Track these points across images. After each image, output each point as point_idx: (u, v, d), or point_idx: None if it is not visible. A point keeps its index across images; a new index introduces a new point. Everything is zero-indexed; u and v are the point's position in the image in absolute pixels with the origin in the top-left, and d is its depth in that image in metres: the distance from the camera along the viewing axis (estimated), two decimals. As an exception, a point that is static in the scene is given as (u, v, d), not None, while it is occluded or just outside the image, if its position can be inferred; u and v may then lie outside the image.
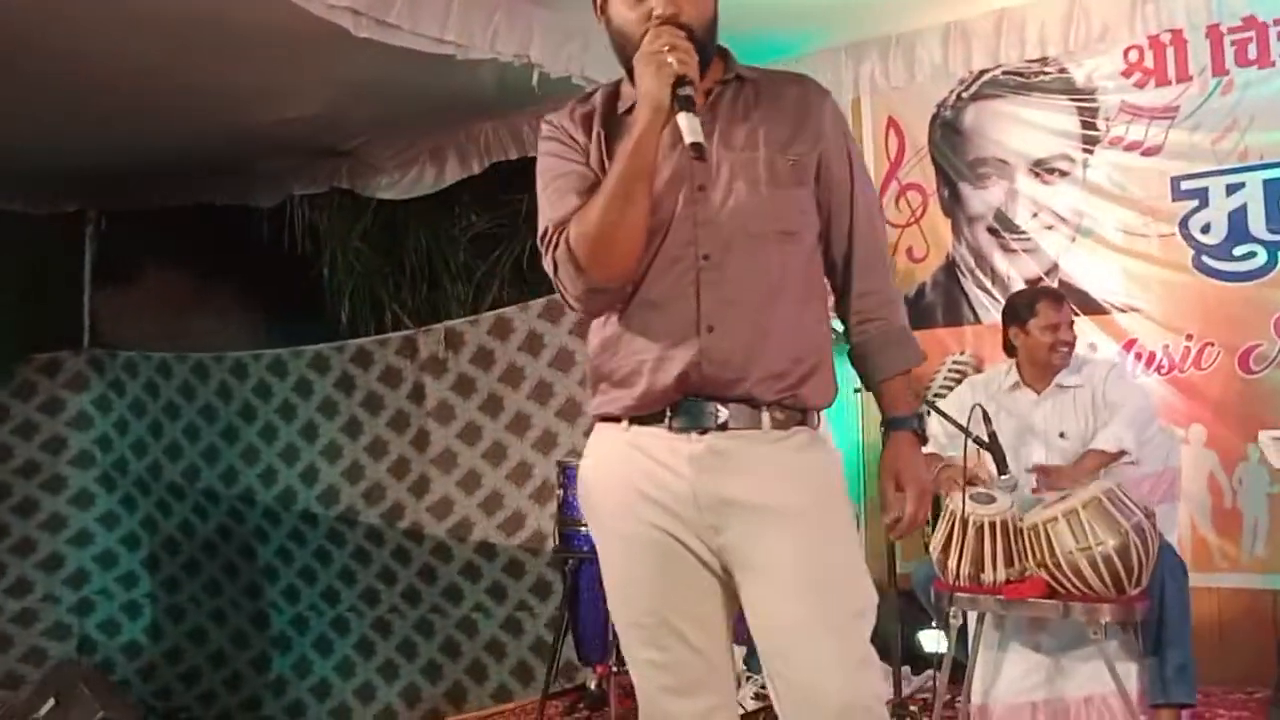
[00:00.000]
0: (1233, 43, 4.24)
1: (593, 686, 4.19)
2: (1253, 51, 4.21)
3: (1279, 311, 4.15)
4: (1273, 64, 4.17)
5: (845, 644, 1.80)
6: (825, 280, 1.97)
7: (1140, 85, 4.43)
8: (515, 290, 6.35)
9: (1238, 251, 4.25)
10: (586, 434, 5.94)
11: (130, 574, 6.53)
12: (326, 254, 6.54)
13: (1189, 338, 4.28)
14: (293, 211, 6.50)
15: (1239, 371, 4.21)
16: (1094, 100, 4.52)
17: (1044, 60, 4.55)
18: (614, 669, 3.81)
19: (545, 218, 1.88)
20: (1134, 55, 4.44)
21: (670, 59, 1.74)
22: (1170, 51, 4.37)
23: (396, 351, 5.98)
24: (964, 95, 4.82)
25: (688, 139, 1.73)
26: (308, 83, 4.96)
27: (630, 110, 1.86)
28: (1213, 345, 4.26)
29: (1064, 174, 4.56)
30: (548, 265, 1.87)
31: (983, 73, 4.69)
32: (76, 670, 5.19)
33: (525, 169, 5.86)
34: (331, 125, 5.62)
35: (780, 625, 1.80)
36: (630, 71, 1.85)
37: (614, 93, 1.97)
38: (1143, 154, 4.40)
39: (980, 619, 3.39)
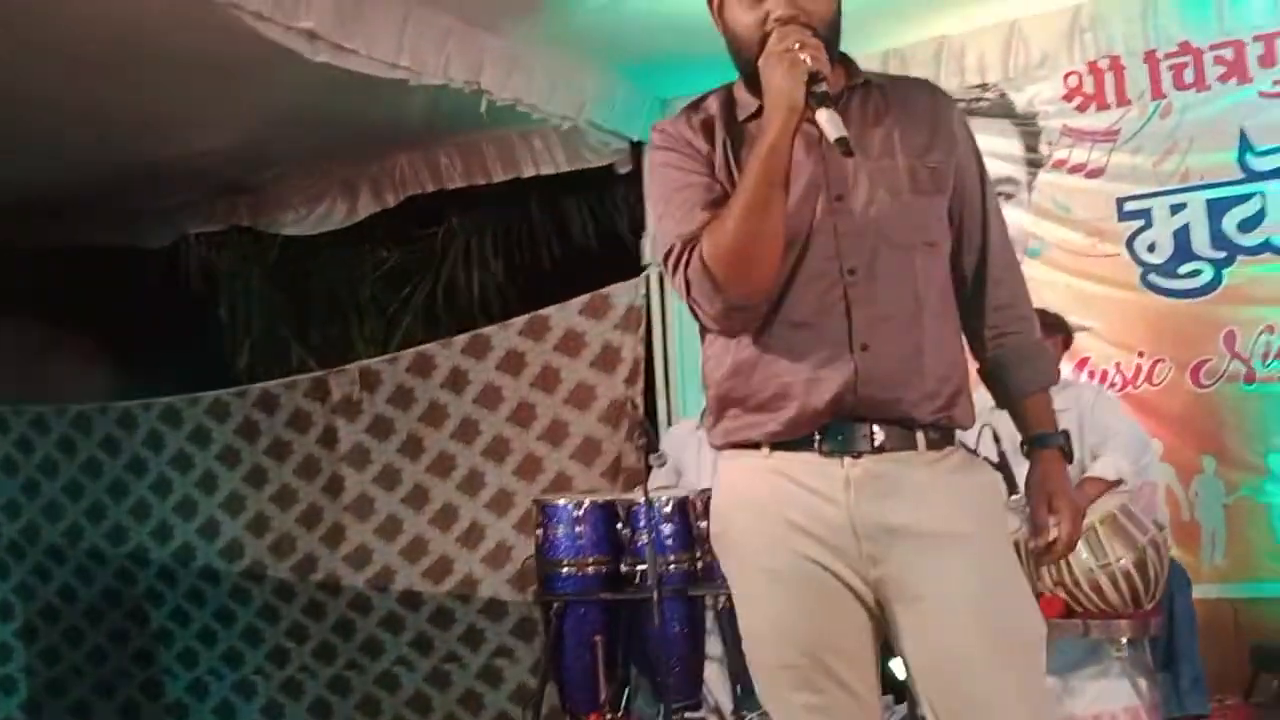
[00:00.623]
0: (1170, 67, 4.39)
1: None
2: (1189, 76, 4.36)
3: (1227, 326, 4.27)
4: (1209, 88, 4.33)
5: (1025, 676, 1.70)
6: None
7: (1081, 109, 4.55)
8: (429, 326, 6.15)
9: (1183, 269, 4.37)
10: (516, 473, 5.68)
11: (3, 646, 6.00)
12: (225, 295, 6.19)
13: (1140, 355, 4.37)
14: (187, 251, 6.14)
15: (1191, 386, 4.31)
16: (1035, 125, 4.62)
17: (984, 86, 4.63)
18: (608, 717, 3.58)
19: (671, 234, 1.76)
20: (1074, 80, 4.56)
21: (803, 55, 1.64)
22: (1109, 77, 4.50)
23: (305, 394, 5.76)
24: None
25: (832, 135, 1.63)
26: (226, 113, 4.77)
27: (752, 117, 1.78)
28: (1164, 361, 4.36)
29: (1009, 196, 4.61)
30: (678, 284, 1.76)
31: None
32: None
33: (443, 201, 5.82)
34: (243, 158, 5.38)
35: (954, 659, 1.67)
36: (748, 77, 1.77)
37: (729, 99, 1.85)
38: (1086, 176, 4.50)
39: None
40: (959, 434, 1.80)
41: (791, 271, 1.72)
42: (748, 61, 1.74)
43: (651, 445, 3.60)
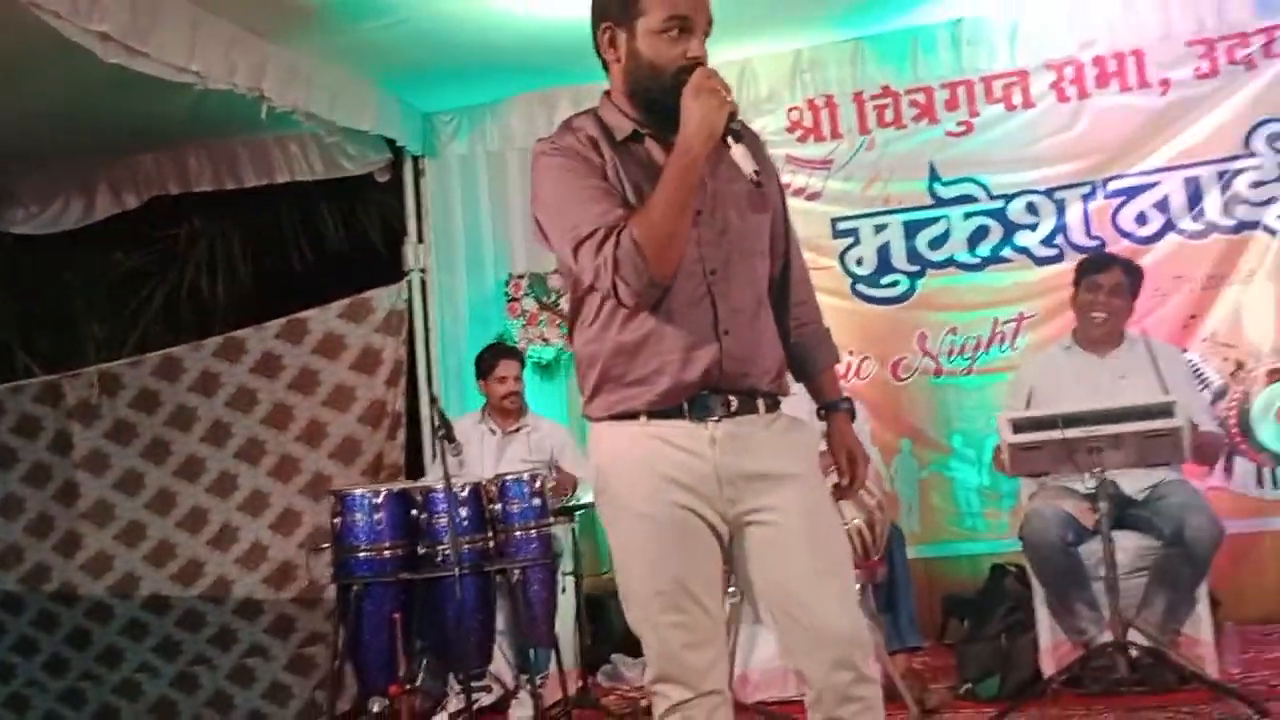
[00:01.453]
0: (874, 107, 5.16)
1: (375, 710, 4.11)
2: (889, 115, 5.15)
3: (919, 329, 5.08)
4: (905, 126, 5.13)
5: (843, 584, 2.14)
6: None
7: (802, 140, 5.24)
8: (170, 330, 6.05)
9: (884, 280, 5.15)
10: (271, 474, 5.73)
11: None
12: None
13: (850, 353, 5.07)
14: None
15: (891, 380, 5.09)
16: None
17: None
18: (407, 687, 3.82)
19: (584, 219, 2.03)
20: (796, 115, 5.24)
21: (729, 96, 2.01)
22: (825, 113, 5.21)
23: (34, 399, 5.52)
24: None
25: (747, 169, 1.99)
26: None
27: (629, 139, 2.11)
28: (869, 359, 5.12)
29: (746, 217, 5.22)
30: (602, 260, 2.00)
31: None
32: None
33: (188, 204, 5.75)
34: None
35: (793, 573, 2.09)
36: (647, 99, 2.09)
37: (600, 123, 2.15)
38: (806, 199, 5.18)
39: (742, 597, 3.82)
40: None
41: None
42: (658, 88, 2.05)
43: (450, 436, 3.86)
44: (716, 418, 2.09)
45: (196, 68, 4.01)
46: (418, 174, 5.66)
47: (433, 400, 3.97)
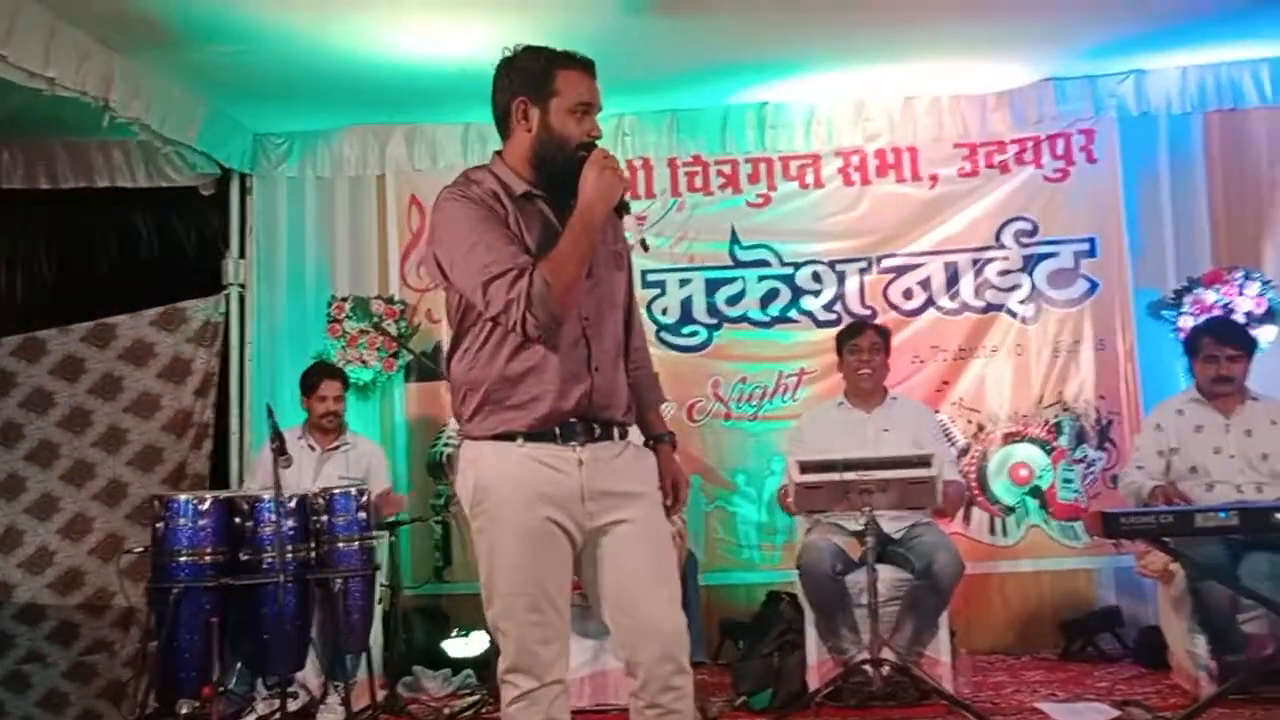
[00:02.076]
0: (685, 173, 5.67)
1: (184, 712, 4.18)
2: (699, 181, 5.67)
3: (714, 376, 5.59)
4: (712, 193, 5.65)
5: (672, 590, 2.52)
6: None
7: (620, 196, 5.67)
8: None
9: (685, 330, 5.65)
10: (65, 479, 5.66)
11: None
12: None
13: (655, 394, 5.53)
14: None
15: (686, 421, 5.56)
16: (585, 204, 5.67)
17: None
18: (220, 689, 3.95)
19: (497, 260, 2.34)
20: (615, 173, 5.67)
21: (622, 171, 2.41)
22: (641, 174, 5.68)
23: None
24: (480, 185, 5.70)
25: (635, 239, 2.40)
26: None
27: (525, 196, 2.45)
28: (668, 400, 5.55)
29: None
30: (515, 295, 2.32)
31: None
32: None
33: None
34: None
35: (633, 578, 2.46)
36: (548, 165, 2.43)
37: (496, 179, 2.48)
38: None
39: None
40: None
41: None
42: (561, 157, 2.40)
43: (283, 450, 4.03)
44: (582, 442, 2.45)
45: (51, 74, 4.07)
46: (244, 191, 5.75)
47: (269, 412, 4.11)
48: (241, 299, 5.72)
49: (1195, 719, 3.69)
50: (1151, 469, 4.29)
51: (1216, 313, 5.03)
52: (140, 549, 4.26)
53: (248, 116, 5.53)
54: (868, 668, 3.89)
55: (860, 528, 3.95)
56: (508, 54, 2.52)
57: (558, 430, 2.43)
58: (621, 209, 2.42)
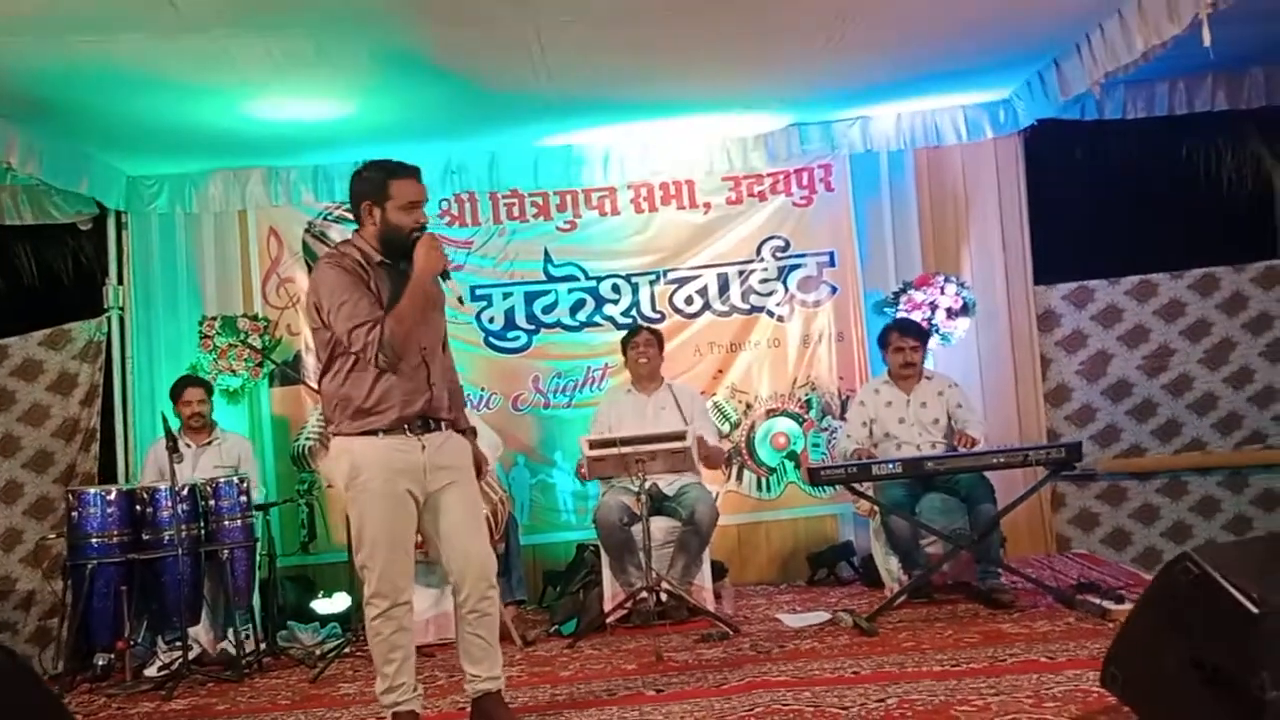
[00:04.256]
0: (505, 204, 6.75)
1: (101, 663, 5.11)
2: (516, 211, 6.75)
3: (533, 373, 6.70)
4: (528, 220, 6.74)
5: (483, 533, 3.66)
6: None
7: (450, 224, 6.73)
8: None
9: (509, 335, 6.74)
10: None
11: None
12: None
13: (482, 389, 6.62)
14: None
15: (511, 410, 6.67)
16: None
17: (385, 199, 6.56)
18: (132, 643, 4.91)
19: (360, 313, 3.38)
20: (445, 204, 6.73)
21: (443, 254, 3.48)
22: (468, 205, 6.74)
23: None
24: (329, 218, 6.68)
25: (455, 295, 3.51)
26: None
27: (380, 264, 3.49)
28: (496, 394, 6.68)
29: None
30: (370, 341, 3.37)
31: (341, 204, 6.55)
32: None
33: None
34: None
35: (458, 523, 3.55)
36: (391, 245, 3.48)
37: (361, 250, 3.51)
38: (453, 270, 6.60)
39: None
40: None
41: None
42: (399, 240, 3.44)
43: (175, 447, 4.98)
44: (423, 433, 3.53)
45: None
46: (119, 226, 6.58)
47: (164, 418, 5.06)
48: (121, 320, 6.57)
49: (884, 613, 5.00)
50: (857, 436, 5.61)
51: (924, 309, 6.42)
52: (54, 537, 5.16)
53: (123, 162, 6.37)
54: (644, 594, 5.10)
55: (636, 489, 5.14)
56: (357, 167, 3.59)
57: (406, 427, 3.51)
58: (444, 275, 3.51)
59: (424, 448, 3.52)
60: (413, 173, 3.54)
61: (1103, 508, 6.69)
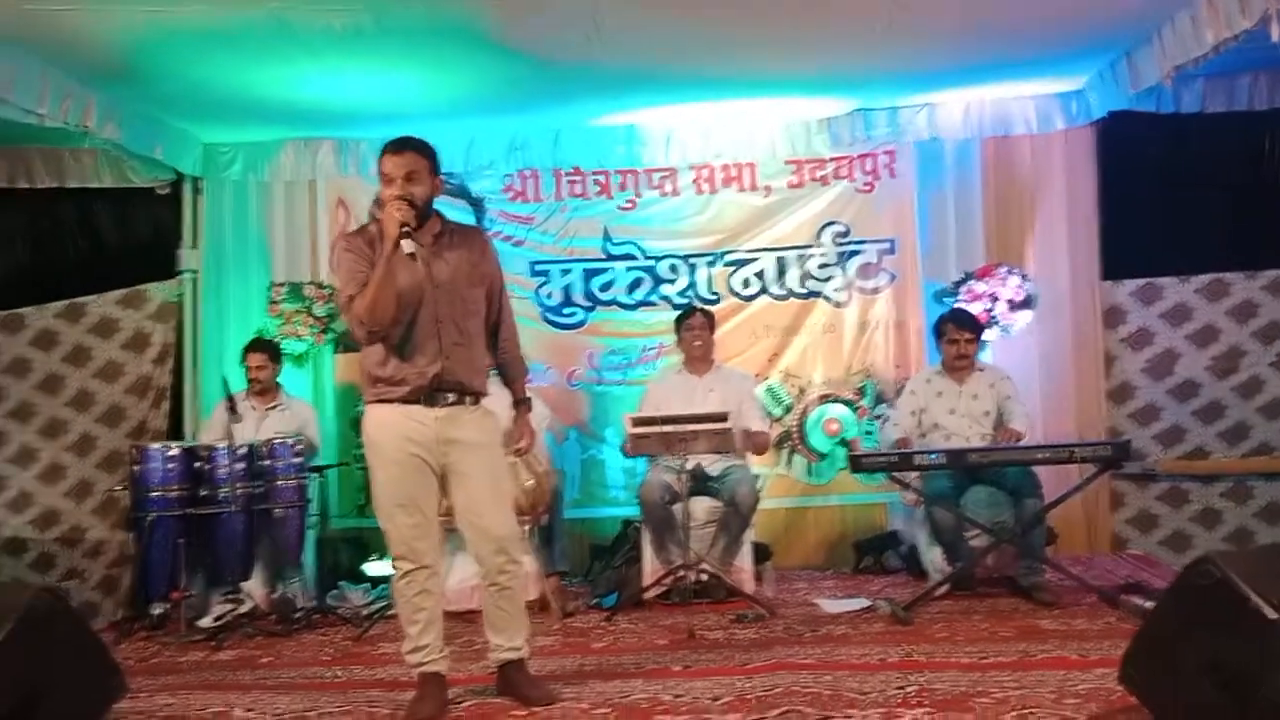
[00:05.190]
0: (567, 182, 6.81)
1: (157, 612, 5.32)
2: (578, 189, 6.81)
3: (588, 349, 6.78)
4: (589, 198, 6.80)
5: (507, 507, 3.72)
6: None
7: (513, 200, 6.83)
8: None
9: (566, 311, 6.82)
10: (42, 432, 6.64)
11: None
12: None
13: (539, 362, 6.69)
14: None
15: (565, 385, 6.76)
16: (484, 207, 6.82)
17: (450, 174, 6.66)
18: (187, 594, 5.10)
19: (346, 293, 3.50)
20: (509, 180, 6.82)
21: (399, 215, 3.46)
22: (530, 181, 6.82)
23: None
24: (395, 189, 6.80)
25: (406, 250, 3.46)
26: None
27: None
28: (552, 368, 6.76)
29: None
30: (350, 319, 3.51)
31: (408, 175, 6.66)
32: None
33: None
34: None
35: (477, 498, 3.61)
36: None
37: (378, 227, 3.58)
38: (514, 245, 6.77)
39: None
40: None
41: (414, 318, 3.57)
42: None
43: (234, 408, 5.15)
44: (437, 405, 3.60)
45: (42, 111, 5.11)
46: (196, 192, 6.80)
47: (224, 380, 5.23)
48: (194, 283, 6.78)
49: (922, 604, 4.98)
50: (904, 425, 5.58)
51: (985, 300, 6.34)
52: (121, 489, 5.36)
53: (199, 129, 6.57)
54: (683, 572, 5.14)
55: (679, 469, 5.17)
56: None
57: (421, 398, 3.59)
58: (402, 236, 3.45)
59: (436, 419, 3.58)
60: (393, 147, 3.58)
61: (1163, 509, 6.55)
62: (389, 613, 5.29)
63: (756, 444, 5.61)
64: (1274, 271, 6.43)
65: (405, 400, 3.58)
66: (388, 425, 3.59)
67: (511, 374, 3.91)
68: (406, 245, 3.42)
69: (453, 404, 3.61)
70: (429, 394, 3.58)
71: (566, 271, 6.82)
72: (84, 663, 3.37)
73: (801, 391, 6.69)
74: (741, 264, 6.76)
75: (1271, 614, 2.68)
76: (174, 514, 5.19)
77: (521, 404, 3.90)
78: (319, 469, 5.79)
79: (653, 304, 6.78)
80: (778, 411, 6.60)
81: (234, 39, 5.03)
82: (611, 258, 6.82)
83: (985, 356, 6.00)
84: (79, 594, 6.25)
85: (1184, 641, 2.88)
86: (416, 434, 3.57)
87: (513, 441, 3.88)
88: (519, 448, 3.89)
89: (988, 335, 6.03)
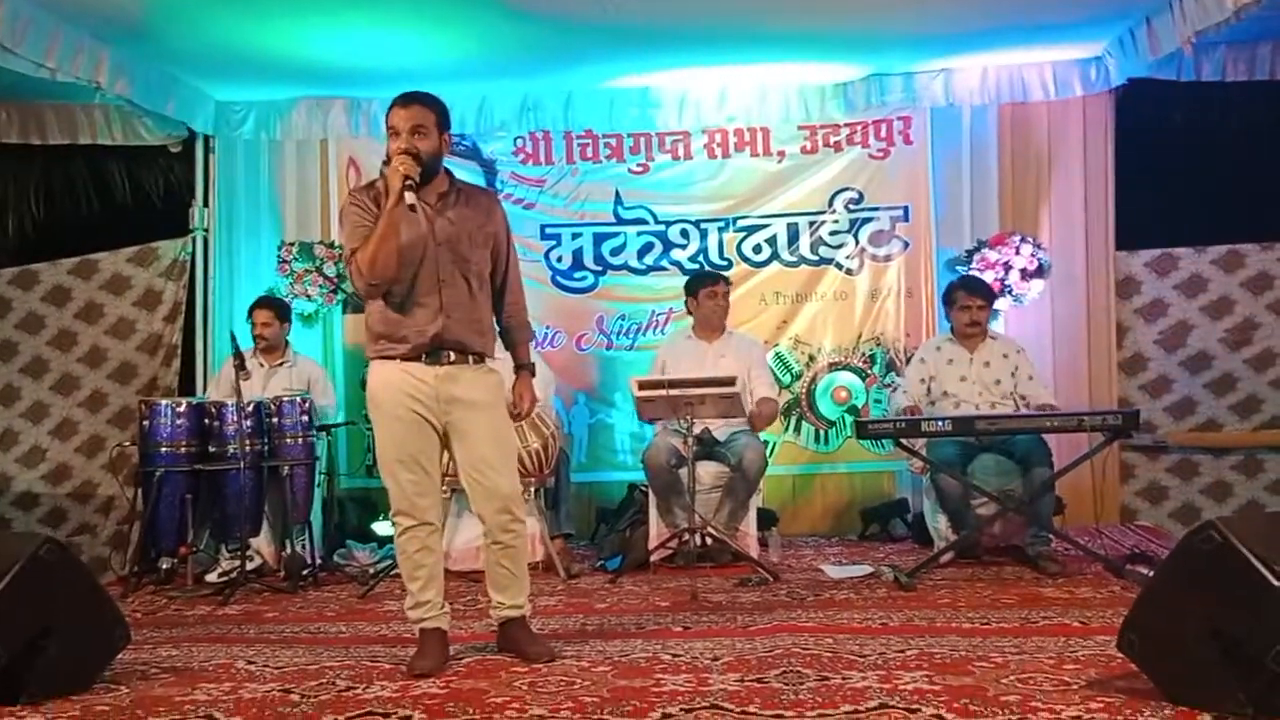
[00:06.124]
0: (579, 144, 6.77)
1: (165, 567, 5.37)
2: (590, 152, 6.78)
3: (598, 313, 6.76)
4: (601, 161, 6.77)
5: (510, 466, 3.69)
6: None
7: (524, 162, 6.80)
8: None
9: (576, 275, 6.80)
10: (53, 388, 6.73)
11: None
12: None
13: (548, 326, 6.69)
14: None
15: (574, 349, 6.75)
16: (495, 169, 6.79)
17: (461, 136, 6.65)
18: (193, 550, 5.13)
19: (349, 245, 3.50)
20: (520, 142, 6.79)
21: (403, 169, 3.43)
22: (542, 144, 6.79)
23: None
24: (406, 150, 6.78)
25: (407, 202, 3.42)
26: None
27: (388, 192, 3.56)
28: (561, 332, 6.76)
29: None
30: (349, 270, 3.51)
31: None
32: None
33: None
34: None
35: (480, 457, 3.60)
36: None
37: (386, 180, 3.57)
38: (525, 208, 6.74)
39: (451, 494, 5.36)
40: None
41: (415, 274, 3.55)
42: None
43: (242, 365, 5.15)
44: (438, 363, 3.58)
45: (52, 65, 5.11)
46: (208, 150, 6.79)
47: (232, 336, 5.23)
48: (205, 241, 6.80)
49: (926, 570, 4.97)
50: (914, 392, 5.54)
51: (998, 269, 6.29)
52: (130, 445, 5.39)
53: (211, 86, 6.55)
54: (688, 535, 5.14)
55: (685, 433, 5.16)
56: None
57: (422, 356, 3.57)
58: (405, 189, 3.40)
59: (437, 376, 3.57)
60: (400, 100, 3.55)
61: (1173, 481, 6.52)
62: (395, 571, 5.31)
63: (764, 414, 5.56)
64: (1292, 243, 6.37)
65: (406, 357, 3.57)
66: (389, 382, 3.59)
67: (515, 338, 3.89)
68: (409, 197, 3.39)
69: (454, 362, 3.60)
70: (430, 351, 3.56)
71: (577, 235, 6.80)
72: (89, 613, 3.40)
73: (811, 359, 6.66)
74: (753, 230, 6.73)
75: (1273, 580, 2.67)
76: (182, 470, 5.22)
77: (522, 369, 3.89)
78: (326, 428, 5.81)
79: (663, 269, 6.75)
80: (786, 379, 6.58)
81: (244, -5, 5.01)
82: (622, 222, 6.79)
83: (998, 325, 5.94)
84: (90, 549, 6.30)
85: (1185, 608, 2.86)
86: (417, 391, 3.56)
87: (511, 407, 3.85)
88: (516, 413, 3.86)
89: (1000, 304, 5.97)
